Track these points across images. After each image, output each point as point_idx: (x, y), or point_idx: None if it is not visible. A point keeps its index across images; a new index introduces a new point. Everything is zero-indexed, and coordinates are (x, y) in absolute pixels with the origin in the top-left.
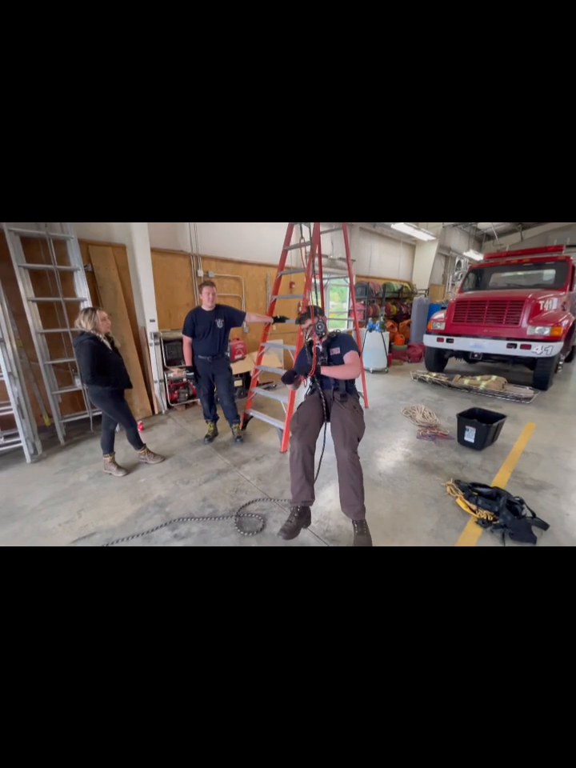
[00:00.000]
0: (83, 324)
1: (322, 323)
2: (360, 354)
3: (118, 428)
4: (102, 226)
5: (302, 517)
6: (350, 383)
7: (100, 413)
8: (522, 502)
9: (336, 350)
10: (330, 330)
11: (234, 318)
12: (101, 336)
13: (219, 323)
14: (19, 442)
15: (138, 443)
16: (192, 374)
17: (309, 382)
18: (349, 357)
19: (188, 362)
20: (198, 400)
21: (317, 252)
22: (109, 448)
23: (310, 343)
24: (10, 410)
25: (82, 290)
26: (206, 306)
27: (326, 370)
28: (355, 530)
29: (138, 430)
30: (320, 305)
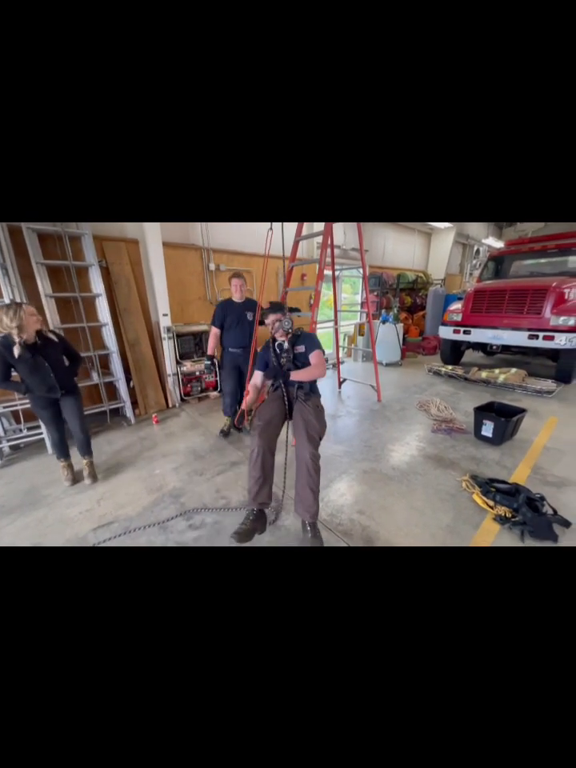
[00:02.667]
0: (6, 321)
1: (288, 320)
2: (324, 353)
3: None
4: (116, 222)
5: (259, 520)
6: (313, 382)
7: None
8: (542, 498)
9: (300, 349)
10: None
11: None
12: (16, 340)
13: (250, 315)
14: (41, 433)
15: (61, 452)
16: (210, 363)
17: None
18: (314, 357)
19: (210, 352)
20: (210, 393)
21: (329, 243)
22: (84, 451)
23: (273, 340)
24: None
25: (98, 286)
26: (236, 298)
27: (295, 375)
28: (307, 532)
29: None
30: (332, 296)
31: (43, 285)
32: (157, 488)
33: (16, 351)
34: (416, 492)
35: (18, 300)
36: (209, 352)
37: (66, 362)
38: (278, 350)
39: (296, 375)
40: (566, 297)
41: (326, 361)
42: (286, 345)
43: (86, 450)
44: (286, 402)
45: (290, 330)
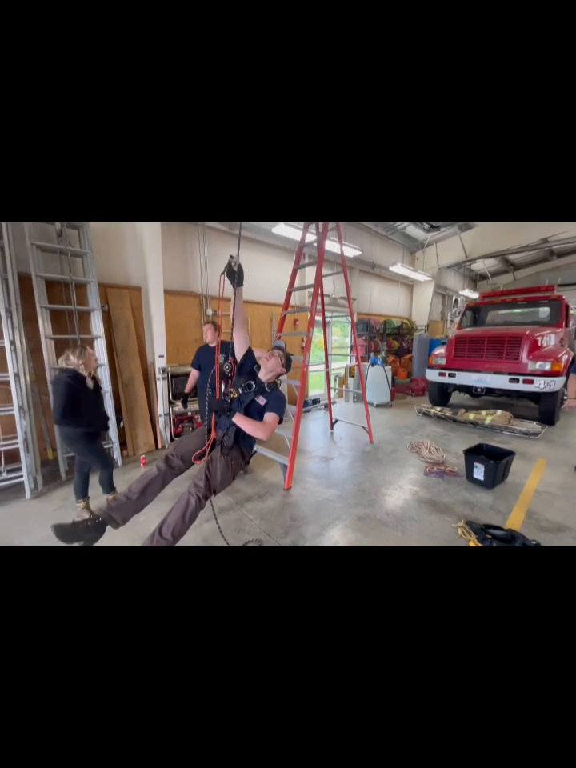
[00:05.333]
0: (73, 359)
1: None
2: (280, 422)
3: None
4: (120, 270)
5: (96, 531)
6: (243, 441)
7: (105, 446)
8: (539, 546)
9: (262, 400)
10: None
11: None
12: (85, 374)
13: (221, 357)
14: (21, 476)
15: (110, 487)
16: (182, 399)
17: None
18: (268, 417)
19: (187, 390)
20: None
21: (319, 292)
22: (82, 493)
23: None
24: (16, 443)
25: (98, 328)
26: (209, 341)
27: (238, 419)
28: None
29: (114, 472)
30: (323, 340)
31: (44, 327)
32: (140, 537)
33: (89, 383)
34: (411, 539)
35: (18, 340)
36: (187, 390)
37: None
38: (245, 386)
39: (239, 420)
40: (540, 343)
41: (281, 423)
42: (253, 383)
43: (112, 487)
44: (208, 441)
45: (244, 387)
